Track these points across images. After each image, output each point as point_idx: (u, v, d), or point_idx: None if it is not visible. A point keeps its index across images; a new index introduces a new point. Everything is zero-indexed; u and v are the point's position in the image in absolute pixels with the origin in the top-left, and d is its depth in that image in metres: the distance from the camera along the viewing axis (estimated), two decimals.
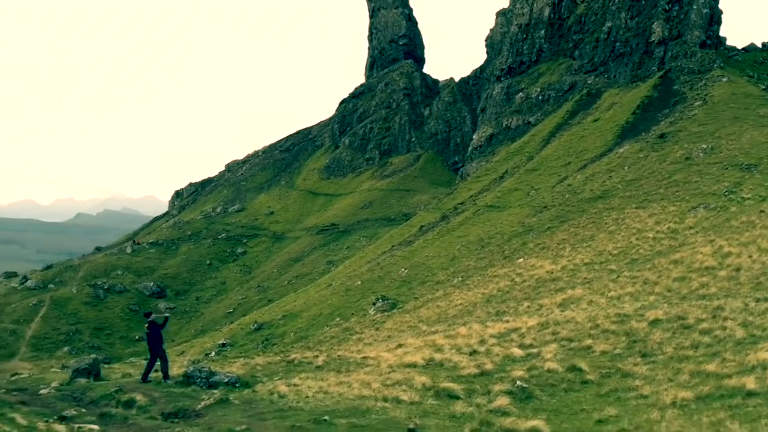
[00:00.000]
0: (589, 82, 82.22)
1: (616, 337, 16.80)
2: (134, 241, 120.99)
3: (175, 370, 19.10)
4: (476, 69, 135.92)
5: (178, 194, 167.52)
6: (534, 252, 38.73)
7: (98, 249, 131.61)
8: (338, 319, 44.21)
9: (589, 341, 16.87)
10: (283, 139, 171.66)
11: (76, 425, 11.09)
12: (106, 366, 22.84)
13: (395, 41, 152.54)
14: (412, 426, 10.82)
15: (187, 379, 16.91)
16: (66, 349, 73.02)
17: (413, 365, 16.83)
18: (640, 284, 23.58)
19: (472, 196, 69.95)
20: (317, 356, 20.94)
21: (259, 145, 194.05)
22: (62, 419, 11.99)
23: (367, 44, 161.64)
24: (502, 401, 11.97)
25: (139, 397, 14.27)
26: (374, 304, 42.58)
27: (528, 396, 12.52)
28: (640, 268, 26.49)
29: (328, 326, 43.19)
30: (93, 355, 21.97)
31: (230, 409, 13.23)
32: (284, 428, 11.05)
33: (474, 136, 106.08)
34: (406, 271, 50.15)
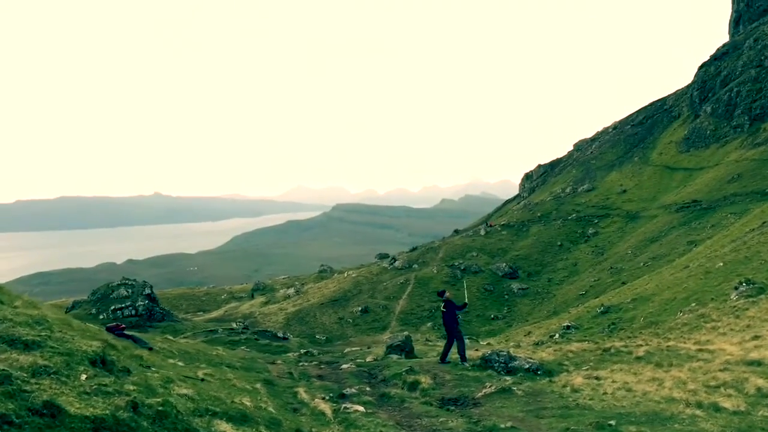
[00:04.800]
0: None
1: None
2: (487, 224, 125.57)
3: (476, 354, 18.27)
4: None
5: (527, 177, 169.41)
6: None
7: (456, 231, 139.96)
8: (693, 304, 39.03)
9: None
10: (634, 112, 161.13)
11: (343, 405, 10.93)
12: (441, 343, 23.19)
13: None
14: None
15: (485, 363, 15.98)
16: (429, 324, 78.15)
17: (758, 363, 13.28)
18: None
19: None
20: (640, 345, 18.15)
21: (609, 121, 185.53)
22: (341, 396, 12.05)
23: None
24: None
25: (424, 380, 13.75)
26: (737, 288, 36.45)
27: None
28: None
29: (681, 312, 38.42)
30: (406, 332, 22.57)
31: (511, 400, 11.87)
32: (557, 430, 9.28)
33: None
34: None
